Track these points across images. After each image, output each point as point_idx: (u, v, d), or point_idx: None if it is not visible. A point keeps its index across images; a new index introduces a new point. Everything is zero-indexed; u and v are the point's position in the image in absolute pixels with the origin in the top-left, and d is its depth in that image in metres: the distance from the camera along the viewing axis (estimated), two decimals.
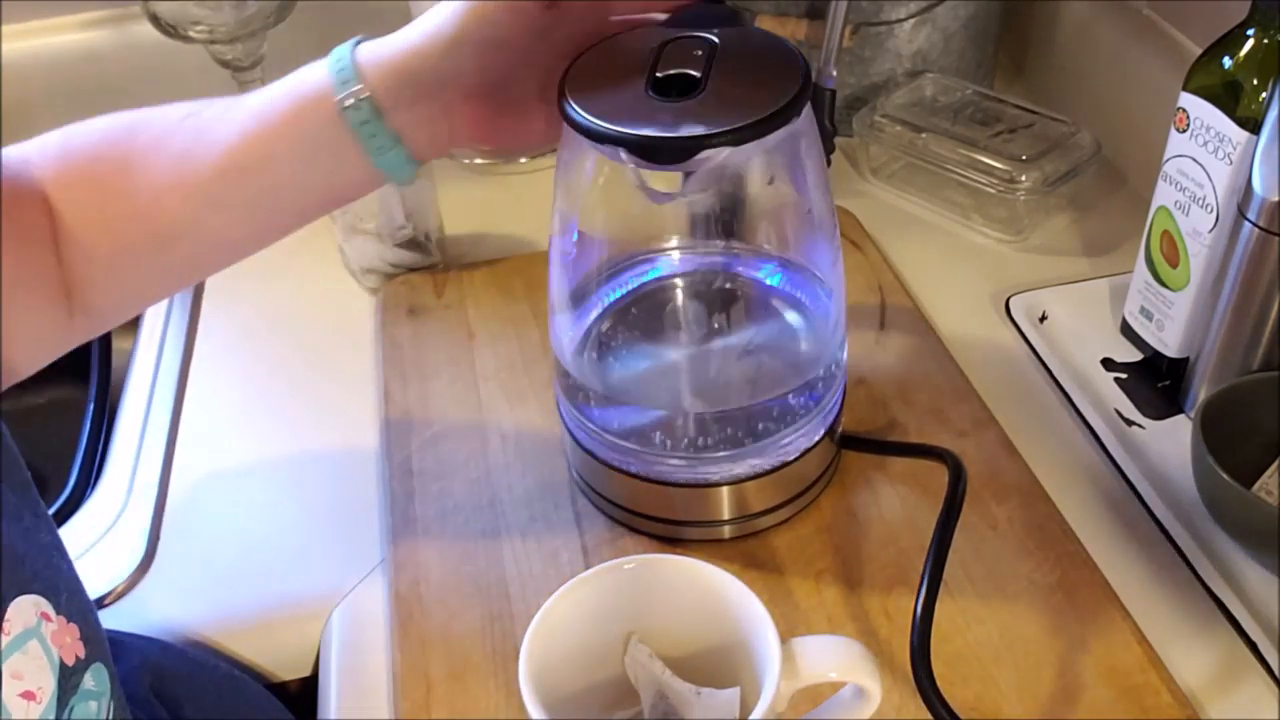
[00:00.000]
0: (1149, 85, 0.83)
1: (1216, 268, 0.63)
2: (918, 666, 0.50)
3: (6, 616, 0.39)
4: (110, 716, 0.44)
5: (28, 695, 0.39)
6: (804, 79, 0.49)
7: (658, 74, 0.50)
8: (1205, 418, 0.60)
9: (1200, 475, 0.61)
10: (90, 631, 0.44)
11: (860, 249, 0.80)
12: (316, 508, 0.67)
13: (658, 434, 0.58)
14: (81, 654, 0.42)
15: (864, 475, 0.64)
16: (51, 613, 0.41)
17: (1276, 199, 0.58)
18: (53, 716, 0.40)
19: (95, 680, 0.43)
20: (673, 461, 0.58)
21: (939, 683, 0.50)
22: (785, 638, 0.45)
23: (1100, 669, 0.54)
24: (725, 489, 0.59)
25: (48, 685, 0.40)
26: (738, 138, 0.47)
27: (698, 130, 0.47)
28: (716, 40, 0.51)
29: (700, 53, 0.51)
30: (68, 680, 0.41)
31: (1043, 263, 0.81)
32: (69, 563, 0.45)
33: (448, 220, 0.85)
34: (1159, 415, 0.68)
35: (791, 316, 0.61)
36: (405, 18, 0.95)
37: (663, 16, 0.54)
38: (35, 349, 0.51)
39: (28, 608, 0.40)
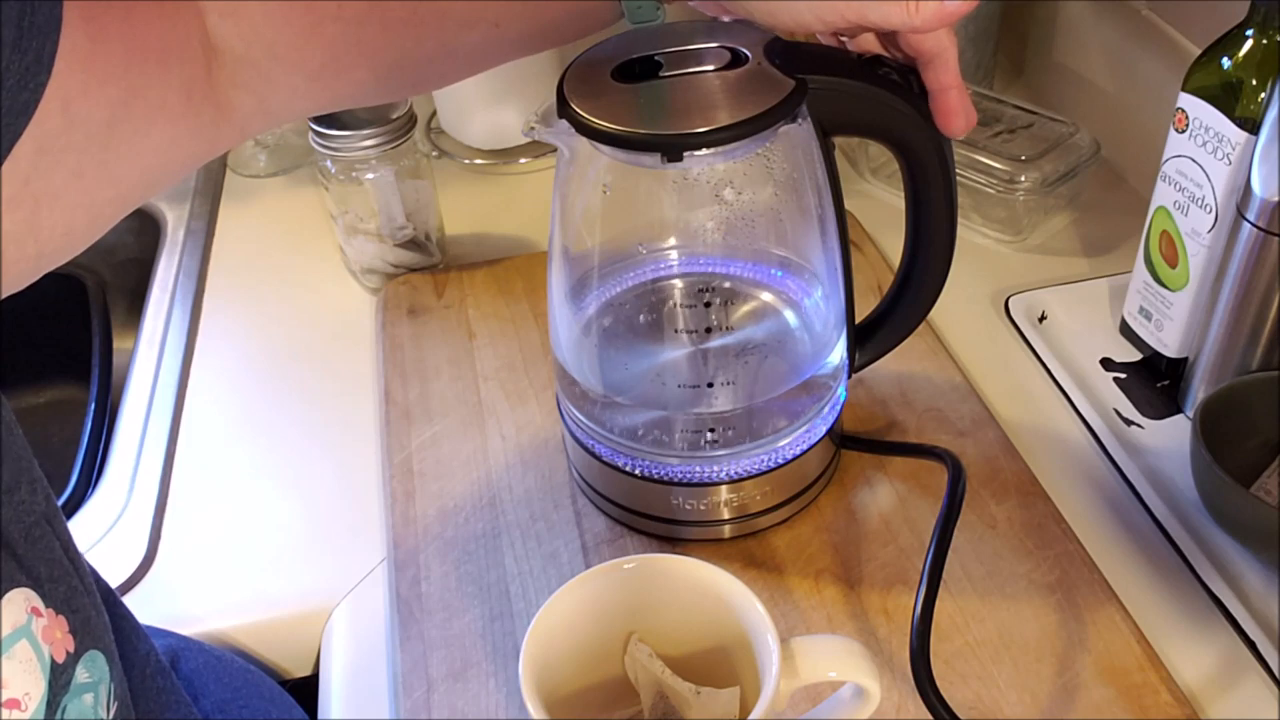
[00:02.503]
0: (1148, 85, 0.83)
1: (1215, 268, 0.63)
2: (917, 666, 0.50)
3: None
4: (109, 701, 0.42)
5: (10, 704, 0.36)
6: (778, 106, 0.50)
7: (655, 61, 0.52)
8: (1204, 417, 0.60)
9: (1199, 475, 0.61)
10: (79, 620, 0.40)
11: (860, 249, 0.80)
12: (316, 508, 0.67)
13: (657, 433, 0.58)
14: (71, 648, 0.40)
15: (864, 475, 0.64)
16: (41, 606, 0.38)
17: (1275, 199, 0.58)
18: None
19: (89, 670, 0.41)
20: (673, 461, 0.58)
21: (938, 682, 0.50)
22: (785, 637, 0.45)
23: (1099, 668, 0.54)
24: (725, 489, 0.59)
25: (36, 690, 0.37)
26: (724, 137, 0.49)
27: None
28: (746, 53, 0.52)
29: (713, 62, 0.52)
30: (58, 679, 0.38)
31: (1042, 263, 0.81)
32: (61, 537, 0.42)
33: (448, 220, 0.86)
34: (1158, 415, 0.68)
35: (790, 316, 0.62)
36: None
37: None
38: (165, 167, 0.47)
39: (18, 603, 0.37)
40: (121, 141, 0.42)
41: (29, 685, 0.37)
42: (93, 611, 0.42)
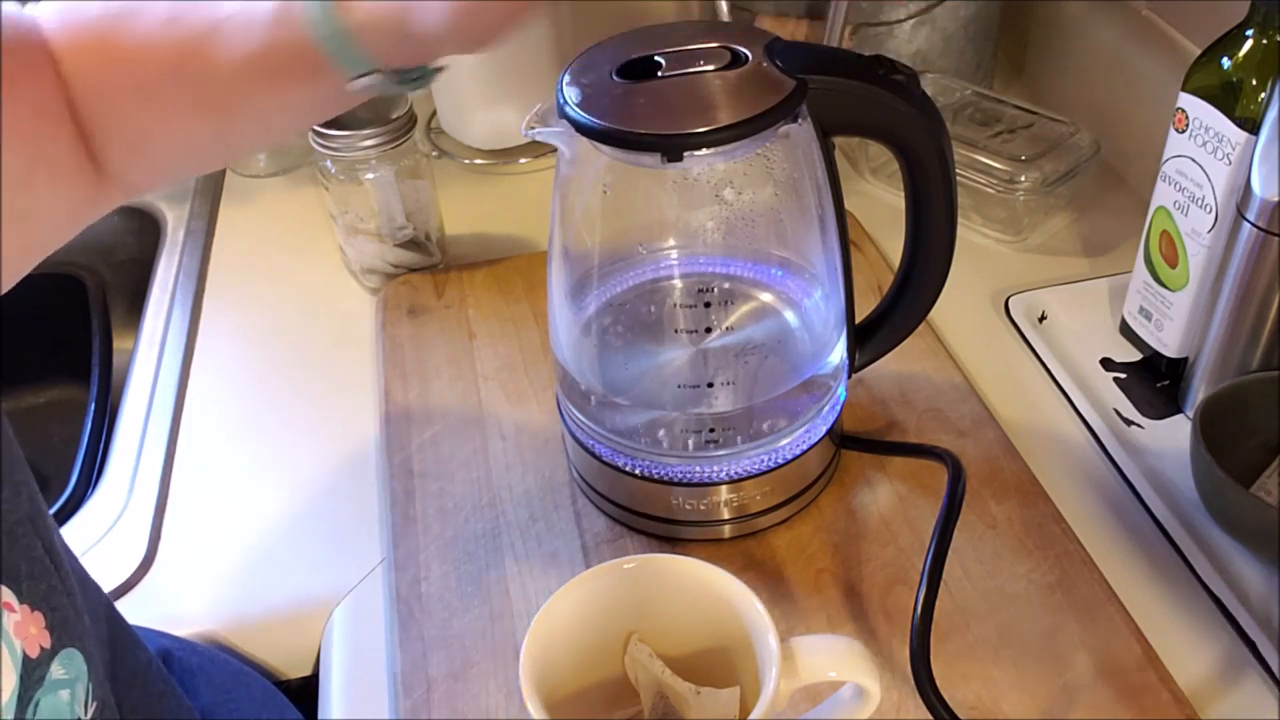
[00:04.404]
0: (1148, 85, 0.83)
1: (1215, 268, 0.63)
2: (917, 666, 0.50)
3: None
4: (88, 700, 0.42)
5: None
6: (779, 106, 0.50)
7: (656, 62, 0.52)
8: (1204, 417, 0.60)
9: (1199, 475, 0.61)
10: (57, 619, 0.41)
11: (860, 249, 0.80)
12: (316, 508, 0.67)
13: (657, 433, 0.58)
14: (47, 644, 0.40)
15: (864, 475, 0.64)
16: (15, 602, 0.39)
17: (1275, 199, 0.58)
18: (11, 716, 0.38)
19: (65, 667, 0.41)
20: (672, 461, 0.58)
21: (938, 682, 0.50)
22: (785, 637, 0.45)
23: (1099, 668, 0.54)
24: (725, 489, 0.59)
25: (7, 683, 0.38)
26: (724, 137, 0.49)
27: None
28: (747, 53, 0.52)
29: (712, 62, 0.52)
30: (31, 674, 0.39)
31: (1042, 263, 0.81)
32: (43, 537, 0.42)
33: (448, 220, 0.86)
34: (1158, 415, 0.68)
35: (790, 316, 0.62)
36: None
37: None
38: (65, 223, 0.48)
39: None
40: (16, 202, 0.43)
41: (2, 677, 0.37)
42: (72, 611, 0.43)
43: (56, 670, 0.40)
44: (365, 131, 0.76)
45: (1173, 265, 0.67)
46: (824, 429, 0.60)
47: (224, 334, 0.81)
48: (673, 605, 0.48)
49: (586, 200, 0.58)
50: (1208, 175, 0.63)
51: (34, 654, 0.39)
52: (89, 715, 0.42)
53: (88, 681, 0.42)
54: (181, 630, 0.60)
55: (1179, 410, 0.68)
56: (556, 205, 0.57)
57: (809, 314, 0.61)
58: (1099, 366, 0.72)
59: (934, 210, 0.57)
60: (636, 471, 0.59)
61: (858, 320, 0.62)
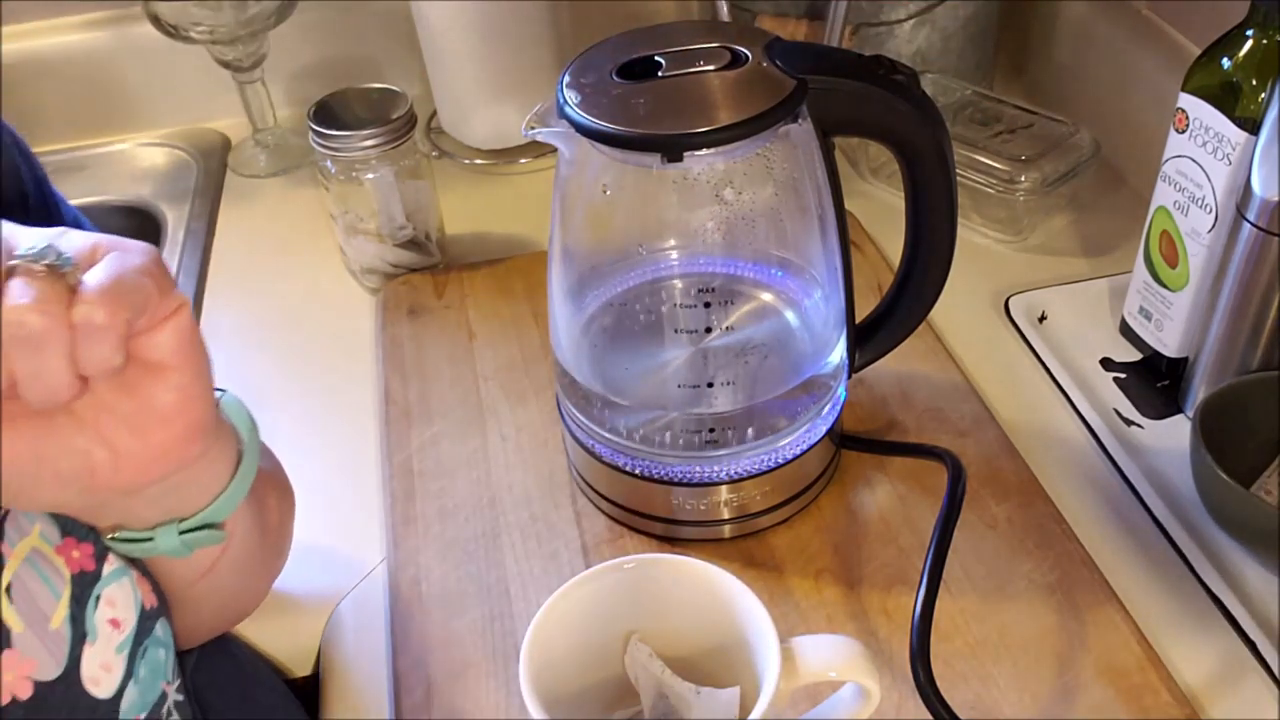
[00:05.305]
0: (1148, 85, 0.83)
1: (1215, 268, 0.63)
2: (917, 666, 0.50)
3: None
4: (173, 673, 0.46)
5: (114, 623, 0.42)
6: (778, 106, 0.50)
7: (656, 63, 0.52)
8: (1204, 417, 0.60)
9: (1199, 475, 0.61)
10: (158, 587, 0.46)
11: (860, 249, 0.80)
12: (316, 508, 0.67)
13: (657, 434, 0.58)
14: (155, 604, 0.45)
15: (864, 475, 0.64)
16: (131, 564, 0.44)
17: (1275, 199, 0.58)
18: (129, 650, 0.43)
19: (164, 631, 0.45)
20: (673, 461, 0.58)
21: (938, 682, 0.50)
22: (785, 637, 0.45)
23: (1099, 668, 0.54)
24: (725, 489, 0.59)
25: (130, 619, 0.43)
26: (723, 138, 0.49)
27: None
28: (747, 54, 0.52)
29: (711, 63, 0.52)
30: (145, 623, 0.44)
31: (1042, 263, 0.81)
32: None
33: (448, 220, 0.86)
34: (1158, 415, 0.68)
35: (790, 316, 0.62)
36: (405, 19, 0.96)
37: None
38: None
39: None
40: None
41: (126, 614, 0.43)
42: (161, 589, 0.46)
43: (159, 629, 0.45)
44: (365, 131, 0.76)
45: (1173, 265, 0.67)
46: (824, 429, 0.60)
47: (224, 334, 0.81)
48: (673, 605, 0.48)
49: (586, 200, 0.58)
50: (1208, 175, 0.63)
51: (148, 606, 0.44)
52: (173, 688, 0.46)
53: (173, 655, 0.46)
54: None
55: (1179, 410, 0.68)
56: (556, 205, 0.57)
57: (809, 314, 0.61)
58: (1099, 366, 0.72)
59: (934, 210, 0.57)
60: (636, 471, 0.59)
61: (858, 320, 0.62)
